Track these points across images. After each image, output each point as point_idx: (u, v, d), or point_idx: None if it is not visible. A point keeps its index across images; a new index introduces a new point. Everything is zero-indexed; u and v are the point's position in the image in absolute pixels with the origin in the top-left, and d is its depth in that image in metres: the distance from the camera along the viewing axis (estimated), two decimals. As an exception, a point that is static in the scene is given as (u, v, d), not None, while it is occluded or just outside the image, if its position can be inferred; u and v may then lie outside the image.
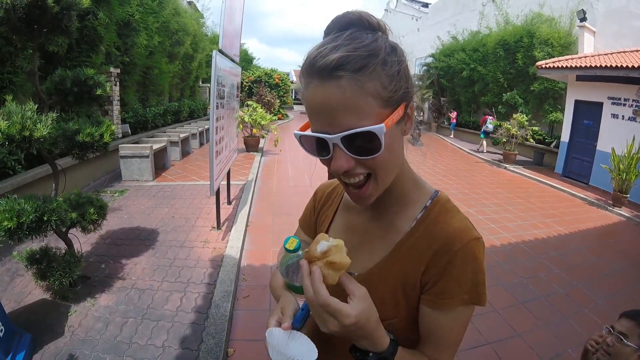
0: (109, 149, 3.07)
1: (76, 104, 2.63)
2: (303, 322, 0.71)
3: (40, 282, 2.64)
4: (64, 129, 2.50)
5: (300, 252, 0.67)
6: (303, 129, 0.66)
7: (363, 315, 0.57)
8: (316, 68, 0.55)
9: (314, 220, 0.93)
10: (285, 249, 0.67)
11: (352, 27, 0.58)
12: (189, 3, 14.50)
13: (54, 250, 2.63)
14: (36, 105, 2.17)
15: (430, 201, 0.72)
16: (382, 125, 0.55)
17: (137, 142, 7.28)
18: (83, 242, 3.24)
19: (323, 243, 0.60)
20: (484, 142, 12.91)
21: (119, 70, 7.20)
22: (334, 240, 0.61)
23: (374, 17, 0.60)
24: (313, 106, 0.58)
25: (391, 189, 0.69)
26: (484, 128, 12.66)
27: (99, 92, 2.71)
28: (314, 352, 0.65)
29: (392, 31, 0.63)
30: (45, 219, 2.21)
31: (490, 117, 12.65)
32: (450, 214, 0.70)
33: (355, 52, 0.54)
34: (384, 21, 0.62)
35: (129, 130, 7.90)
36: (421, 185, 0.75)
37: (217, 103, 3.80)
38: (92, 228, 2.94)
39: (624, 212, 6.78)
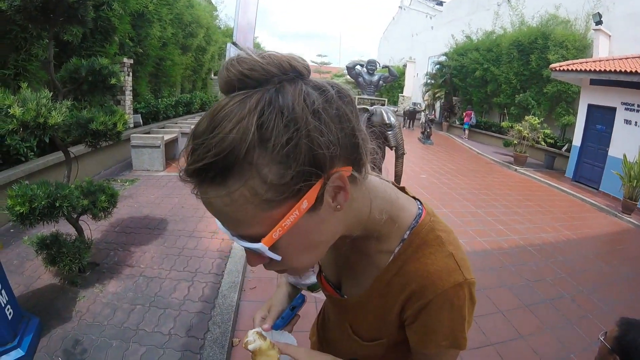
0: (121, 138, 3.11)
1: (90, 92, 2.67)
2: (282, 328, 0.77)
3: (49, 267, 2.68)
4: (78, 117, 2.54)
5: None
6: None
7: None
8: (183, 174, 0.44)
9: None
10: None
11: (234, 91, 0.43)
12: (203, -5, 14.53)
13: (64, 236, 2.68)
14: (51, 93, 2.21)
15: (408, 232, 0.62)
16: (259, 245, 0.45)
17: (148, 133, 7.35)
18: (93, 229, 3.28)
19: (252, 344, 0.68)
20: (467, 132, 15.84)
21: (132, 61, 7.26)
22: (259, 342, 0.67)
23: (260, 64, 0.43)
24: None
25: (357, 227, 0.59)
26: (469, 122, 15.66)
27: (113, 81, 2.75)
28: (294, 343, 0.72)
29: (305, 69, 0.46)
30: (57, 204, 2.25)
31: (473, 113, 15.90)
32: (430, 249, 0.60)
33: (210, 152, 0.40)
34: (290, 57, 0.45)
35: (141, 121, 7.96)
36: (397, 216, 0.62)
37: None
38: (103, 215, 2.98)
39: (634, 219, 6.67)
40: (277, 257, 0.48)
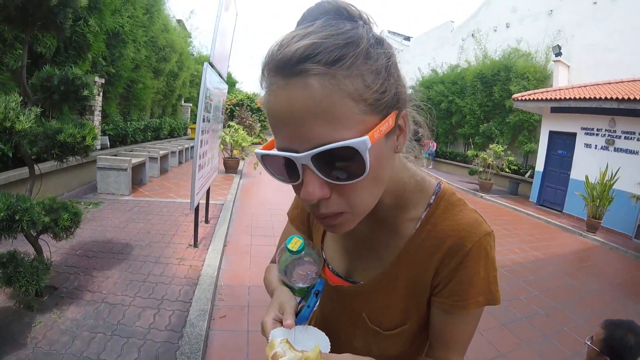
0: (89, 155, 2.96)
1: (61, 103, 2.55)
2: (307, 321, 0.63)
3: (4, 287, 2.45)
4: (46, 127, 2.40)
5: (303, 253, 0.62)
6: (266, 148, 0.53)
7: None
8: (277, 62, 0.43)
9: (307, 216, 0.84)
10: (288, 249, 0.61)
11: (326, 16, 0.47)
12: (178, 21, 14.64)
13: (22, 254, 2.47)
14: (20, 98, 2.09)
15: (433, 197, 0.64)
16: (366, 138, 0.43)
17: (115, 155, 7.10)
18: (53, 251, 3.06)
19: (285, 357, 0.51)
20: (430, 161, 16.51)
21: (103, 81, 7.10)
22: (294, 354, 0.51)
23: (354, 6, 0.49)
24: (276, 114, 0.46)
25: (390, 192, 0.61)
26: (428, 151, 16.14)
27: (85, 92, 2.64)
28: (327, 343, 0.59)
29: (377, 24, 0.51)
30: (17, 218, 2.08)
31: (432, 143, 16.18)
32: (457, 208, 0.63)
33: (328, 39, 0.42)
34: (368, 13, 0.51)
35: (108, 143, 7.71)
36: (423, 183, 0.66)
37: (203, 116, 3.76)
38: (65, 235, 2.79)
39: (599, 237, 7.05)
40: (367, 165, 0.44)
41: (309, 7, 0.49)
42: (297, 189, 0.51)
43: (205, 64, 3.65)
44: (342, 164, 0.44)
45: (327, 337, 0.59)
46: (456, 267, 0.59)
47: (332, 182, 0.46)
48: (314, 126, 0.43)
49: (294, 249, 0.60)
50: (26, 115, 1.99)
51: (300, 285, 0.65)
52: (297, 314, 0.61)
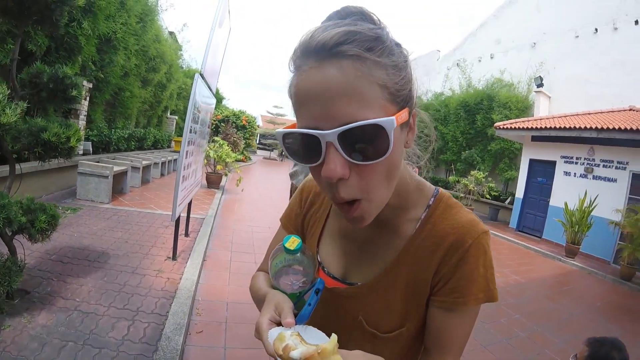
0: (72, 157, 2.88)
1: (48, 101, 2.50)
2: (307, 320, 0.59)
3: (-27, 288, 2.33)
4: (31, 124, 2.34)
5: (299, 255, 0.62)
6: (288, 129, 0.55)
7: None
8: (314, 45, 0.47)
9: (301, 221, 0.84)
10: (285, 248, 0.60)
11: (353, 17, 0.52)
12: (170, 33, 14.67)
13: (-5, 254, 2.37)
14: (8, 91, 2.04)
15: (432, 199, 0.68)
16: (393, 118, 0.46)
17: (97, 162, 6.95)
18: (27, 253, 2.93)
19: (297, 350, 0.47)
20: None
21: (91, 85, 7.00)
22: (306, 347, 0.48)
23: (375, 13, 0.54)
24: (306, 92, 0.48)
25: (397, 195, 0.63)
26: None
27: (74, 93, 2.60)
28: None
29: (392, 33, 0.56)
30: (-7, 214, 1.99)
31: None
32: (455, 209, 0.66)
33: (361, 31, 0.47)
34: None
35: (91, 149, 7.55)
36: (422, 185, 0.70)
37: (190, 127, 3.73)
38: (40, 238, 2.68)
39: (577, 262, 7.21)
40: (392, 144, 0.48)
41: (335, 10, 0.54)
42: (315, 171, 0.52)
43: (197, 75, 3.64)
44: (364, 145, 0.47)
45: (327, 337, 0.56)
46: (457, 264, 0.60)
47: (354, 162, 0.48)
48: (343, 105, 0.46)
49: (292, 248, 0.60)
50: (12, 109, 1.94)
51: (291, 291, 0.63)
52: (295, 314, 0.59)
